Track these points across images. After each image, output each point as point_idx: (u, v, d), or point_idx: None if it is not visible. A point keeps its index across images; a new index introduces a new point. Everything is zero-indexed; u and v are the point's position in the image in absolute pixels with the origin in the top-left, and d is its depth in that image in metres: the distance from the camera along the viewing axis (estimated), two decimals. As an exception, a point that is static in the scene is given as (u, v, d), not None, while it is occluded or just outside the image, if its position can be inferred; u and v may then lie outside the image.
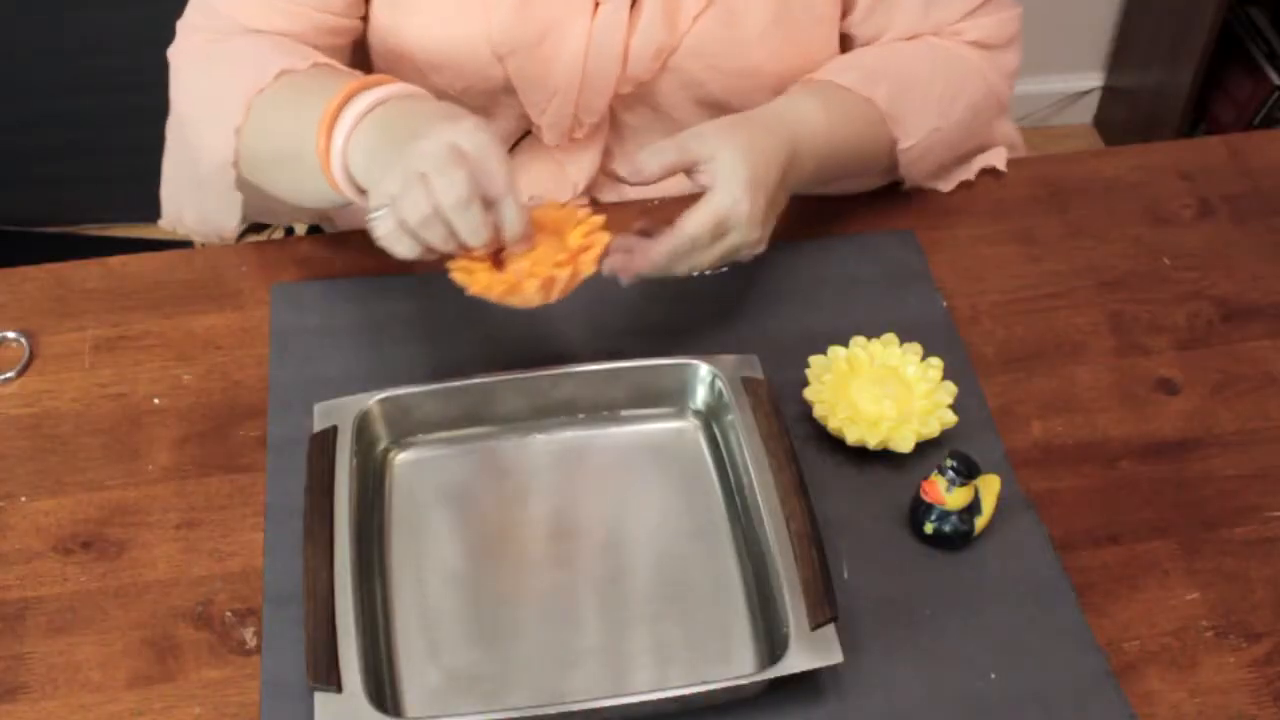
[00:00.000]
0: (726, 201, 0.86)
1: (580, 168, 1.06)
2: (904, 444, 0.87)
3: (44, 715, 0.77)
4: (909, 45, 1.05)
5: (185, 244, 1.15)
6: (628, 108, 1.03)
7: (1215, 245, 1.06)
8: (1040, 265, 1.04)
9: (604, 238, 0.82)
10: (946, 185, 1.09)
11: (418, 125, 0.79)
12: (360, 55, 1.05)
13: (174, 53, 0.99)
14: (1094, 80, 2.49)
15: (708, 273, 0.93)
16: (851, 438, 0.88)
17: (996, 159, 1.10)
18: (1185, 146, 1.18)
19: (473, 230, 0.77)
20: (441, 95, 1.01)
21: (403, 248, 0.79)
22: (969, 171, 1.10)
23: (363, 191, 0.83)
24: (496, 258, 0.81)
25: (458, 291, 0.98)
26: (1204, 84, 2.20)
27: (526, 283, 0.79)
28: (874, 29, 1.05)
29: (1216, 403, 0.95)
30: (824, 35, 1.04)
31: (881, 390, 0.89)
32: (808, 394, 0.90)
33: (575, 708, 0.74)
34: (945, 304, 1.00)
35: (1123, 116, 2.45)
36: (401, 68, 1.01)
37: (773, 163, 0.89)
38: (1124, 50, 2.41)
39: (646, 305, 0.98)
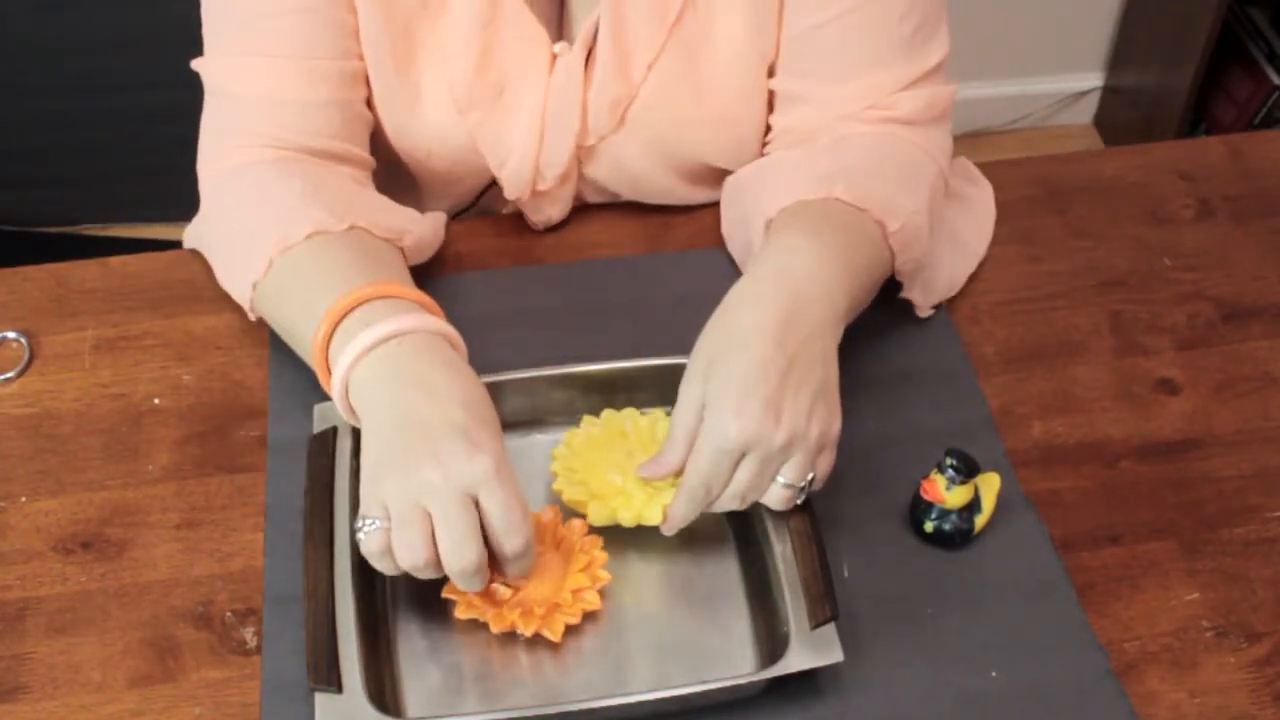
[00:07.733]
0: (714, 437, 0.77)
1: (548, 216, 1.04)
2: (654, 517, 0.82)
3: (44, 715, 0.77)
4: (848, 140, 0.96)
5: (185, 244, 1.15)
6: (589, 159, 1.01)
7: (1215, 245, 1.06)
8: (1040, 265, 1.04)
9: (604, 577, 0.80)
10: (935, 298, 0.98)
11: (430, 406, 0.76)
12: None
13: (203, 171, 0.95)
14: (1094, 80, 2.49)
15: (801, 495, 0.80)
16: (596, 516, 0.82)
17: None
18: (1185, 146, 1.18)
19: (471, 588, 0.76)
20: (407, 158, 1.00)
21: (385, 568, 0.76)
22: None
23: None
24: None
25: (456, 294, 0.98)
26: (1204, 84, 2.20)
27: (521, 621, 0.78)
28: (797, 84, 0.98)
29: (1216, 403, 0.95)
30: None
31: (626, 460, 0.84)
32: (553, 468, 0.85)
33: (575, 708, 0.74)
34: (945, 304, 1.00)
35: (1123, 116, 2.45)
36: (372, 135, 0.99)
37: (764, 348, 0.78)
38: (1124, 50, 2.41)
39: (647, 307, 0.98)
